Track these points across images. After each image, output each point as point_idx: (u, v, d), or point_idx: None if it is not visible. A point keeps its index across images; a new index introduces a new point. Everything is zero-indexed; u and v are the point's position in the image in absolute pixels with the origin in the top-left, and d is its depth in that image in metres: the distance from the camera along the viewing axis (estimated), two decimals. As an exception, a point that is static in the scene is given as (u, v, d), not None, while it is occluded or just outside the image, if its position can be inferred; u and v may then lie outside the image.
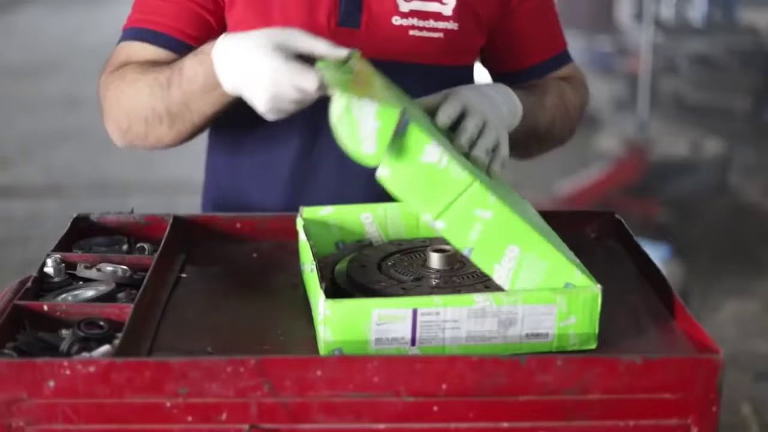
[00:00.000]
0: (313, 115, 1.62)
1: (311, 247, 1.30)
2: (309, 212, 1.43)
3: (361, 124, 1.18)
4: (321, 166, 1.64)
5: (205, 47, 1.42)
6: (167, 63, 1.51)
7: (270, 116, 1.37)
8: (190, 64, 1.44)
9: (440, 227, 1.21)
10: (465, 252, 1.22)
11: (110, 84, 1.54)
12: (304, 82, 1.30)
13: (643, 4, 6.67)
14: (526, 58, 1.70)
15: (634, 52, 7.40)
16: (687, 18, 9.09)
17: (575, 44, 7.24)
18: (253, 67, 1.33)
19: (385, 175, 1.19)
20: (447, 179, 1.19)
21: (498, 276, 1.22)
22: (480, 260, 1.22)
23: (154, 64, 1.52)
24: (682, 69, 7.44)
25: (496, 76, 1.71)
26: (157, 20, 1.56)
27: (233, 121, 1.62)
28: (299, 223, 1.41)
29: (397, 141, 1.18)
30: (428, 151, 1.19)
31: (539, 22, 1.70)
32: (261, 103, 1.35)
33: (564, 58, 1.74)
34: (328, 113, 1.62)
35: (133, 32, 1.58)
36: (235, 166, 1.70)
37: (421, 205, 1.21)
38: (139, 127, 1.51)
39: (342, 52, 1.32)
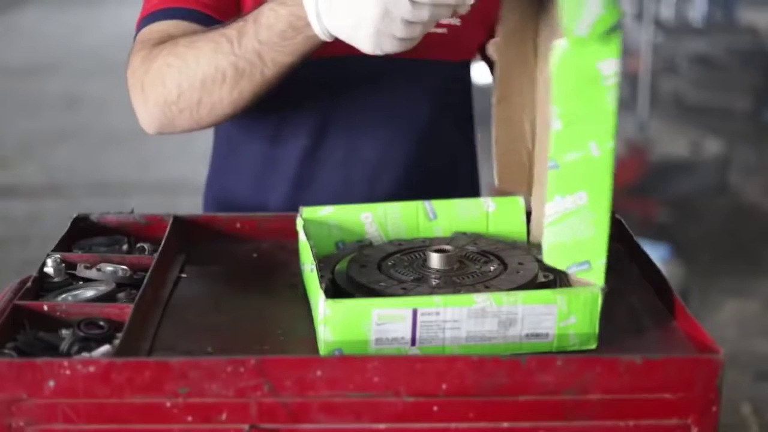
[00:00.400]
0: (319, 114, 1.62)
1: (311, 247, 1.30)
2: (309, 212, 1.43)
3: (587, 5, 1.16)
4: (326, 164, 1.64)
5: None
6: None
7: (374, 47, 1.27)
8: (270, 7, 1.34)
9: (555, 127, 1.20)
10: (550, 164, 1.21)
11: (155, 57, 1.43)
12: None
13: (643, 4, 6.68)
14: None
15: (634, 52, 7.40)
16: (687, 18, 9.10)
17: (575, 44, 7.20)
18: None
19: (560, 47, 1.17)
20: (596, 97, 1.18)
21: (549, 207, 1.21)
22: (552, 179, 1.21)
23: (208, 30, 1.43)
24: (682, 69, 7.45)
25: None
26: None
27: (239, 119, 1.62)
28: (299, 223, 1.41)
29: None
30: (609, 64, 1.18)
31: None
32: (368, 26, 1.24)
33: None
34: (335, 110, 1.63)
35: (164, 13, 1.52)
36: (239, 165, 1.70)
37: (559, 98, 1.20)
38: (192, 93, 1.40)
39: None
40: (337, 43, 1.55)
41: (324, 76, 1.58)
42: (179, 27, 1.49)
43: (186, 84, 1.40)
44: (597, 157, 1.20)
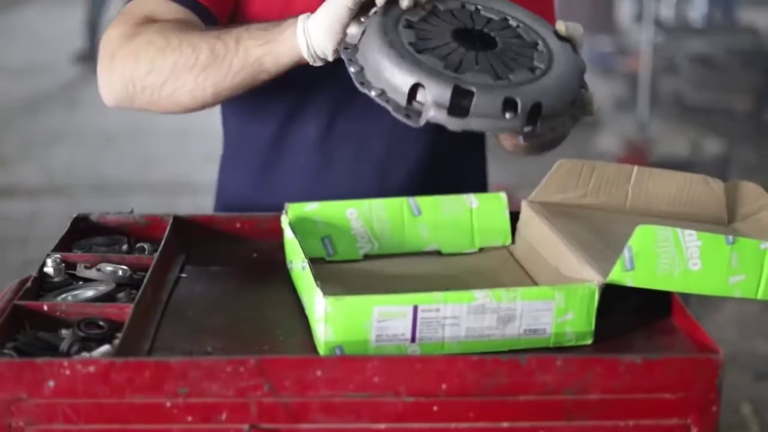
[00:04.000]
0: (327, 109, 1.62)
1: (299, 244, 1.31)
2: (294, 209, 1.44)
3: None
4: (335, 160, 1.64)
5: (280, 23, 1.40)
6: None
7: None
8: (256, 37, 1.41)
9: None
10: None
11: (138, 33, 1.45)
12: None
13: (643, 4, 6.68)
14: None
15: (634, 52, 7.41)
16: (687, 18, 9.11)
17: (575, 44, 7.16)
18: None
19: None
20: None
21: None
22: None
23: (194, 25, 1.46)
24: (682, 69, 7.44)
25: None
26: None
27: (247, 115, 1.62)
28: (284, 221, 1.41)
29: None
30: None
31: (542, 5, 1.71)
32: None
33: None
34: (342, 106, 1.63)
35: None
36: (248, 163, 1.70)
37: None
38: (160, 74, 1.43)
39: None
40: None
41: (330, 72, 1.59)
42: (169, 9, 1.49)
43: (158, 63, 1.42)
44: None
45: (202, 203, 1.86)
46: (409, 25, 1.32)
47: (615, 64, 7.90)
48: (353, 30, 1.32)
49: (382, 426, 1.09)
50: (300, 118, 1.61)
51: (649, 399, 1.09)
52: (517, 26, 1.37)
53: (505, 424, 1.09)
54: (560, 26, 1.39)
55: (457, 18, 1.36)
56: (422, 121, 1.24)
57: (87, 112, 6.99)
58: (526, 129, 1.25)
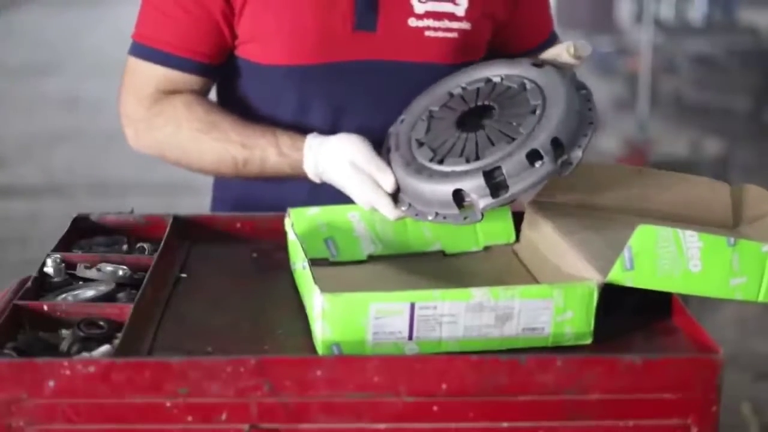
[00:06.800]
0: (332, 116, 1.62)
1: (301, 244, 1.31)
2: (297, 213, 1.44)
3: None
4: None
5: (292, 153, 1.53)
6: (197, 90, 1.60)
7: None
8: (276, 159, 1.53)
9: None
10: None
11: (155, 126, 1.59)
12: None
13: (643, 4, 6.69)
14: (530, 40, 1.74)
15: (634, 52, 7.42)
16: (687, 18, 9.12)
17: (575, 44, 7.18)
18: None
19: None
20: None
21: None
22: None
23: (208, 114, 1.58)
24: (682, 69, 7.45)
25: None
26: (170, 41, 1.57)
27: (251, 115, 1.62)
28: (287, 224, 1.41)
29: None
30: None
31: (539, 5, 1.73)
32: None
33: (555, 34, 1.79)
34: (347, 113, 1.63)
35: (147, 52, 1.59)
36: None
37: None
38: (189, 167, 1.62)
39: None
40: (352, 49, 1.55)
41: (337, 80, 1.59)
42: (165, 74, 1.58)
43: (184, 165, 1.62)
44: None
45: (202, 203, 1.86)
46: (420, 143, 1.42)
47: (615, 64, 7.91)
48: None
49: (382, 426, 1.09)
50: (303, 117, 1.61)
51: (649, 399, 1.09)
52: (501, 80, 1.46)
53: (505, 424, 1.09)
54: (558, 51, 1.49)
55: (452, 108, 1.45)
56: (479, 215, 1.34)
57: (86, 112, 6.99)
58: (561, 164, 1.34)
